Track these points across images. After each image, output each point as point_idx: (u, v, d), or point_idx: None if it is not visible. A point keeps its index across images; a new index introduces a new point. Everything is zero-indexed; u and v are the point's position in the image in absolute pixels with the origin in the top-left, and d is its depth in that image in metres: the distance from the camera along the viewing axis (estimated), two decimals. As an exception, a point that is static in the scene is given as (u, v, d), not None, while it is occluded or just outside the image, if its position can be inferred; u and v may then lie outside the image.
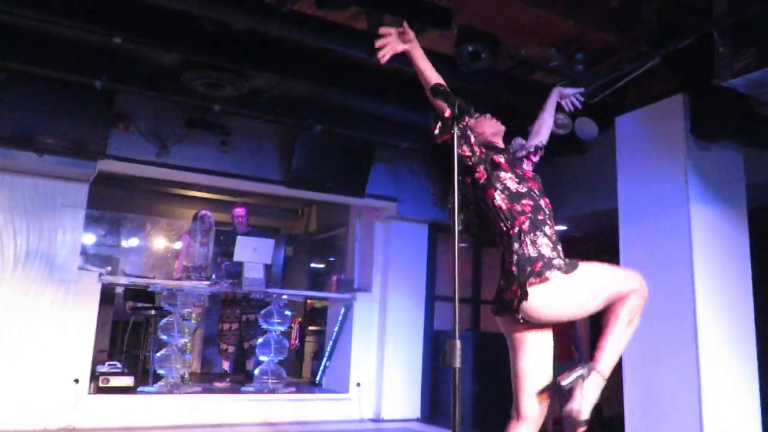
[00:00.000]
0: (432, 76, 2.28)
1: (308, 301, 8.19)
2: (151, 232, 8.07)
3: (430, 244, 6.87)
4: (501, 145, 2.53)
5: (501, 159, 2.37)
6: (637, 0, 3.86)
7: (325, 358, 6.88)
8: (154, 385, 5.41)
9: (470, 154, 2.31)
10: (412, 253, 6.75)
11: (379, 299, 6.66)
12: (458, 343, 1.82)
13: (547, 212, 2.34)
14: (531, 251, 2.19)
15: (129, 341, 6.66)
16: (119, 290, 6.59)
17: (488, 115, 2.54)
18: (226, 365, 6.40)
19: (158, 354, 5.49)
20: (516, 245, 2.22)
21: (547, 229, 2.27)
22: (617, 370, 4.55)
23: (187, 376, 5.81)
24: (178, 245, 6.93)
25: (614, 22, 3.85)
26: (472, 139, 2.33)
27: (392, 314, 6.54)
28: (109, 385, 5.21)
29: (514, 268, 2.19)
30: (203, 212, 6.43)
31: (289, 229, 9.50)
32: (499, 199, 2.30)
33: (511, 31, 3.94)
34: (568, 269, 2.18)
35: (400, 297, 6.60)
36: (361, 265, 6.96)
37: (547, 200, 2.39)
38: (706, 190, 4.09)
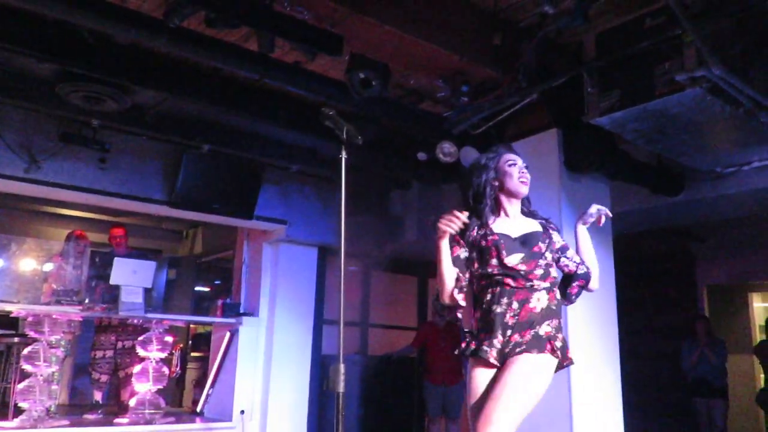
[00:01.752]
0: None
1: (191, 326, 7.87)
2: (17, 253, 7.44)
3: (320, 268, 6.85)
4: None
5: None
6: (516, 39, 4.12)
7: (207, 386, 6.62)
8: (15, 420, 4.95)
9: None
10: (300, 277, 6.69)
11: (266, 323, 6.52)
12: (342, 367, 1.83)
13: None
14: None
15: (-13, 372, 6.08)
16: (-23, 316, 6.02)
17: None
18: (98, 396, 5.98)
19: (20, 385, 5.05)
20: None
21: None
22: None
23: (53, 408, 5.37)
24: (48, 267, 6.46)
25: (496, 58, 4.08)
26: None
27: (279, 339, 6.43)
28: (-39, 421, 4.72)
29: None
30: (77, 232, 6.04)
31: (173, 251, 9.12)
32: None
33: (401, 61, 4.06)
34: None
35: (287, 321, 6.50)
36: (248, 289, 6.80)
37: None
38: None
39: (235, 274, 7.03)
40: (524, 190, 2.62)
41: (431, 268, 8.09)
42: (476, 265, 2.53)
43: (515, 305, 2.42)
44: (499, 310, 2.41)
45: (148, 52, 4.20)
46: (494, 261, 2.46)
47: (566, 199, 4.36)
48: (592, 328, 4.28)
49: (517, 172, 2.60)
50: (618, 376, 4.39)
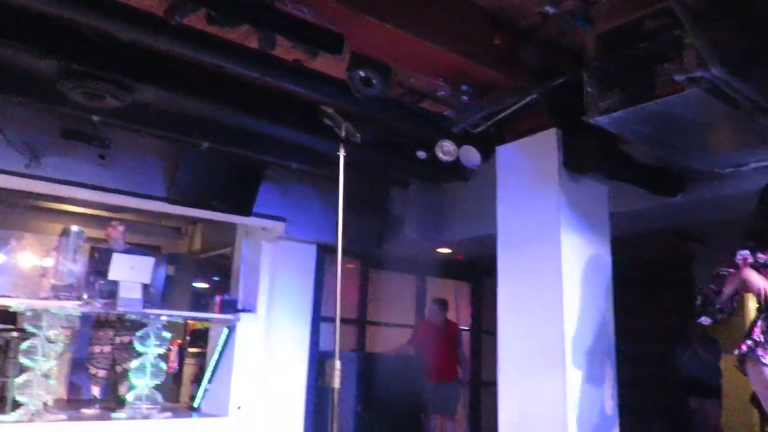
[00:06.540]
0: None
1: (190, 322, 7.88)
2: (16, 248, 7.45)
3: (318, 265, 6.86)
4: None
5: None
6: (517, 40, 4.12)
7: (205, 381, 6.63)
8: (13, 414, 4.97)
9: None
10: (299, 274, 6.70)
11: (264, 320, 6.53)
12: (338, 363, 1.84)
13: None
14: None
15: (-15, 367, 6.08)
16: (-25, 311, 6.02)
17: None
18: (96, 391, 5.99)
19: (19, 380, 5.06)
20: None
21: None
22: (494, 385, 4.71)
23: (50, 402, 5.38)
24: (47, 262, 6.47)
25: (497, 58, 4.08)
26: None
27: (277, 335, 6.44)
28: (-41, 415, 4.73)
29: None
30: (74, 228, 6.04)
31: (171, 247, 9.11)
32: None
33: (401, 60, 4.05)
34: None
35: (285, 318, 6.51)
36: (246, 286, 6.81)
37: None
38: (576, 219, 4.39)
39: (234, 271, 7.04)
40: None
41: (429, 266, 8.07)
42: None
43: None
44: None
45: (149, 50, 4.20)
46: None
47: (565, 200, 4.37)
48: (589, 331, 4.29)
49: None
50: (614, 378, 4.40)
